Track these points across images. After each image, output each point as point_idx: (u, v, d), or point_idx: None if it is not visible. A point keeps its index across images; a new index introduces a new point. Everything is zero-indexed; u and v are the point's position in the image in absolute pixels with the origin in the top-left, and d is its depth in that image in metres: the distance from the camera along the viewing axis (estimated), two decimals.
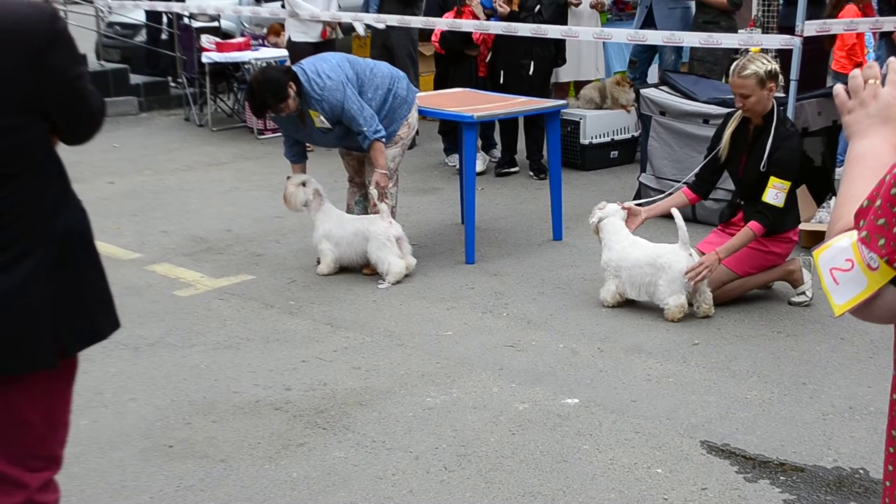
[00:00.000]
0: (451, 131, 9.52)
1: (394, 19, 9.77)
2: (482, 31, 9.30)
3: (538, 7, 9.28)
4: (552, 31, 8.89)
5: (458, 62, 9.84)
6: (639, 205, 6.33)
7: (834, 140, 8.05)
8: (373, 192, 6.61)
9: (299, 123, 6.59)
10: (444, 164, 9.98)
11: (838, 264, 1.68)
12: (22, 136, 2.63)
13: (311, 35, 10.81)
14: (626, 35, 8.90)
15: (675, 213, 5.91)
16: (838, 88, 1.95)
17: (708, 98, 7.90)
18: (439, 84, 9.90)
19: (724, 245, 5.92)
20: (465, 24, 9.34)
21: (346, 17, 10.62)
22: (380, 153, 6.55)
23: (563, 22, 9.63)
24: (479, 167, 9.72)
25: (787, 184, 5.83)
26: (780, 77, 5.99)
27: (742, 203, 6.11)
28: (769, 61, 5.89)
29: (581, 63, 10.89)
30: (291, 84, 6.28)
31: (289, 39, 10.76)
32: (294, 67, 6.48)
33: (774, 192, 5.82)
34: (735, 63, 6.00)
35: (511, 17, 9.26)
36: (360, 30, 10.87)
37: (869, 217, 1.64)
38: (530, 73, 9.33)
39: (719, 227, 6.31)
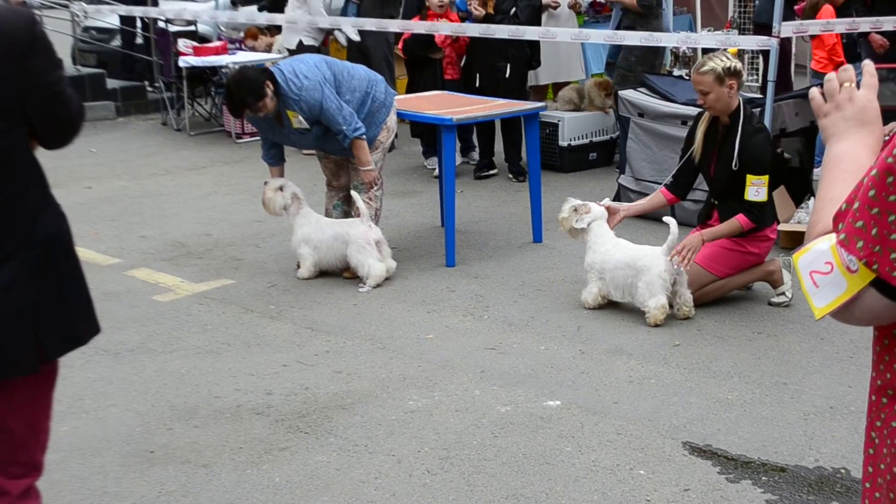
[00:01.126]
0: (428, 133, 9.53)
1: (371, 23, 9.78)
2: (459, 33, 9.31)
3: (514, 9, 9.29)
4: (530, 32, 8.91)
5: (423, 66, 9.84)
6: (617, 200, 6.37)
7: (812, 141, 8.09)
8: (355, 196, 6.60)
9: (276, 125, 6.57)
10: (423, 167, 9.97)
11: (818, 267, 1.68)
12: (3, 141, 2.61)
13: (319, 40, 10.84)
14: (604, 35, 8.93)
15: (671, 221, 5.90)
16: (814, 92, 1.96)
17: (686, 99, 7.92)
18: (408, 90, 9.93)
19: (709, 230, 6.00)
20: (443, 27, 9.34)
21: (322, 23, 10.62)
22: (362, 150, 6.54)
23: (539, 24, 9.65)
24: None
25: (765, 178, 5.89)
26: (743, 75, 6.02)
27: (716, 203, 6.15)
28: (729, 58, 5.94)
29: (560, 65, 10.91)
30: (268, 83, 6.26)
31: (300, 43, 10.71)
32: (271, 68, 6.47)
33: (755, 189, 5.87)
34: (698, 61, 6.06)
35: (486, 19, 9.28)
36: (342, 39, 10.88)
37: (847, 220, 1.65)
38: (507, 75, 9.34)
39: (698, 227, 6.34)
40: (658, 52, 9.66)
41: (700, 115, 6.22)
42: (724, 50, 9.90)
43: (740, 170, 5.90)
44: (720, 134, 6.06)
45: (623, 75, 9.48)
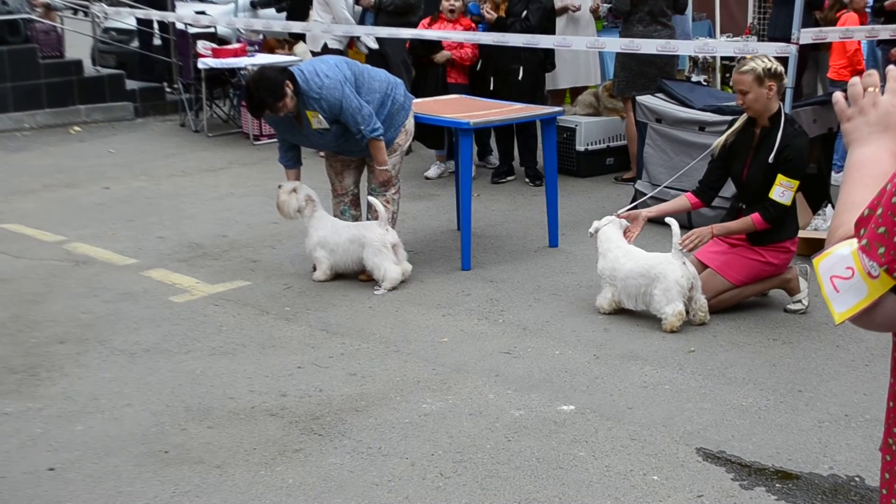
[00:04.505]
0: (434, 137, 9.55)
1: (385, 31, 9.80)
2: (474, 41, 9.31)
3: (525, 12, 9.27)
4: (545, 40, 8.90)
5: (427, 69, 9.84)
6: (635, 207, 6.36)
7: (830, 148, 8.07)
8: (372, 201, 6.62)
9: (296, 125, 6.58)
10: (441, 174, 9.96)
11: (839, 272, 1.68)
12: None
13: (344, 43, 10.88)
14: (620, 44, 8.90)
15: (672, 221, 5.91)
16: (837, 96, 1.96)
17: (704, 105, 7.91)
18: (412, 91, 9.95)
19: (721, 224, 6.02)
20: (456, 35, 9.34)
21: (338, 31, 10.63)
22: (379, 150, 6.56)
23: (551, 27, 9.61)
24: (433, 173, 9.78)
25: (795, 182, 5.88)
26: (785, 79, 6.00)
27: (743, 207, 6.11)
28: (771, 60, 5.93)
29: (578, 70, 10.90)
30: (288, 83, 6.27)
31: (325, 46, 10.73)
32: (292, 69, 6.48)
33: (781, 190, 5.86)
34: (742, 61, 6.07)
35: (498, 22, 9.28)
36: (362, 48, 10.90)
37: (870, 226, 1.64)
38: (519, 78, 9.33)
39: None
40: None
41: (733, 121, 6.20)
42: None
43: (775, 166, 5.88)
44: (757, 138, 6.03)
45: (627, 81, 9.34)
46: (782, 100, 7.29)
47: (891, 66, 1.91)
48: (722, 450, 4.42)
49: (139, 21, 14.19)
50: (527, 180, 9.51)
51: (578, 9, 10.44)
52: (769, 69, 5.85)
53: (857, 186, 1.80)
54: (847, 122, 1.92)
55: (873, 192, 1.68)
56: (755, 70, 5.84)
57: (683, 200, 6.31)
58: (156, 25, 14.25)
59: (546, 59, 9.63)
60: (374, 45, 10.49)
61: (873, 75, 1.91)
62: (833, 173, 8.32)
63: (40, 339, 5.75)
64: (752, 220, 5.92)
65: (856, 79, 1.92)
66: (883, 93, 1.90)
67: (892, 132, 1.86)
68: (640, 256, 6.01)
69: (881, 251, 1.61)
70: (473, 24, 9.76)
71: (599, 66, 11.55)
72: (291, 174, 6.90)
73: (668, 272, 5.81)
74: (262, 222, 8.20)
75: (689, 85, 8.75)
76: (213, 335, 5.85)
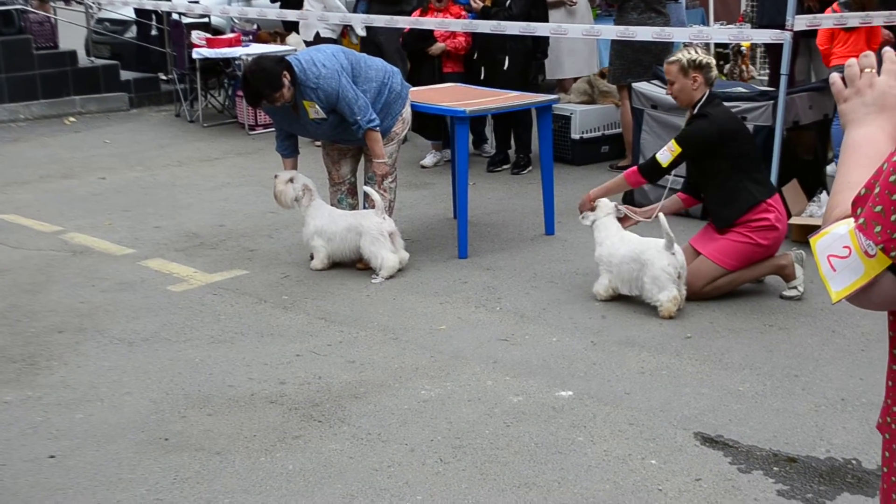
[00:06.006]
0: (433, 127, 9.56)
1: (381, 20, 9.79)
2: (471, 30, 9.30)
3: (508, 1, 9.26)
4: (541, 28, 8.89)
5: (422, 60, 9.84)
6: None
7: (826, 134, 8.08)
8: (368, 190, 6.63)
9: (293, 115, 6.59)
10: (437, 163, 9.96)
11: (836, 251, 1.69)
12: None
13: (336, 31, 10.88)
14: (616, 32, 8.90)
15: (662, 218, 5.93)
16: (834, 77, 1.97)
17: None
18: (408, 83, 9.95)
19: (598, 187, 6.39)
20: (453, 24, 9.33)
21: (333, 19, 10.63)
22: (375, 142, 6.56)
23: (539, 15, 9.55)
24: (429, 161, 9.79)
25: (677, 148, 6.05)
26: (713, 71, 6.11)
27: (702, 196, 6.28)
28: (699, 52, 6.15)
29: (583, 59, 10.90)
30: (286, 73, 6.28)
31: (317, 34, 10.72)
32: (289, 58, 6.49)
33: (663, 149, 6.12)
34: None
35: (483, 11, 9.28)
36: (358, 30, 10.89)
37: (867, 205, 1.66)
38: (504, 67, 9.33)
39: (708, 224, 6.37)
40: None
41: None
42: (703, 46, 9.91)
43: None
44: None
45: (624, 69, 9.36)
46: (776, 86, 7.32)
47: (887, 48, 1.92)
48: (720, 434, 4.45)
49: (137, 11, 14.18)
50: (515, 170, 9.51)
51: (574, 3, 10.43)
52: (694, 60, 6.06)
53: (853, 166, 1.82)
54: (844, 102, 1.93)
55: (870, 172, 1.70)
56: (680, 61, 6.08)
57: (675, 199, 6.45)
58: (153, 17, 14.23)
59: (536, 48, 9.61)
60: (362, 33, 10.48)
61: (870, 56, 1.93)
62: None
63: (39, 328, 5.77)
64: (624, 173, 6.34)
65: (853, 60, 1.93)
66: (879, 74, 1.91)
67: (888, 113, 1.87)
68: (632, 241, 6.06)
69: (878, 230, 1.63)
70: (465, 13, 9.75)
71: (598, 55, 11.55)
72: (288, 163, 6.90)
73: (655, 260, 5.82)
74: (259, 212, 8.21)
75: None
76: (212, 324, 5.86)
